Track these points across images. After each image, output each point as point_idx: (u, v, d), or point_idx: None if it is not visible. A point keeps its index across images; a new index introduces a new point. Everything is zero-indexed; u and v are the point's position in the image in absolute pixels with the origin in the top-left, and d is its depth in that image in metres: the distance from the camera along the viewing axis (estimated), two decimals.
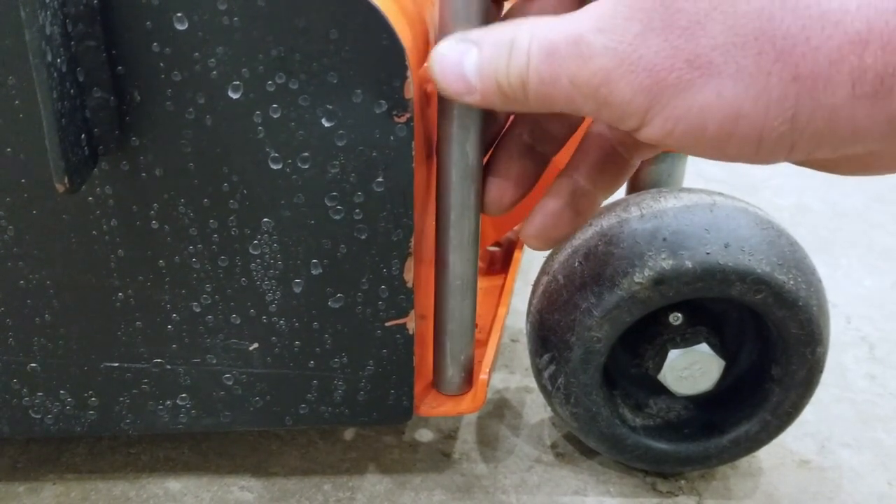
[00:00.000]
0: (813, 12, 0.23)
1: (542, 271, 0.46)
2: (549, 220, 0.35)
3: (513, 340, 0.60)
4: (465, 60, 0.30)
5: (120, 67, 0.32)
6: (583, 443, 0.48)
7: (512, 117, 0.37)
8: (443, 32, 0.33)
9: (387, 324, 0.38)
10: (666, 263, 0.40)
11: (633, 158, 0.35)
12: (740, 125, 0.25)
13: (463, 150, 0.35)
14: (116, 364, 0.40)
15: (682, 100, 0.25)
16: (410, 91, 0.33)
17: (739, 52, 0.24)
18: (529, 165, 0.36)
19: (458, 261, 0.38)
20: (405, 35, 0.33)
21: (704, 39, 0.25)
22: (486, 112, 0.35)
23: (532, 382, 0.53)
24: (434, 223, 0.38)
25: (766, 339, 0.44)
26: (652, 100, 0.26)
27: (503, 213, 0.37)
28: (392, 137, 0.34)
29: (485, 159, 0.37)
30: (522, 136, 0.36)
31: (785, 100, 0.24)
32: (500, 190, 0.36)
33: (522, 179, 0.36)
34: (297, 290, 0.37)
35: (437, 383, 0.43)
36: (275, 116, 0.33)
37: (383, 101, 0.33)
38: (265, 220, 0.36)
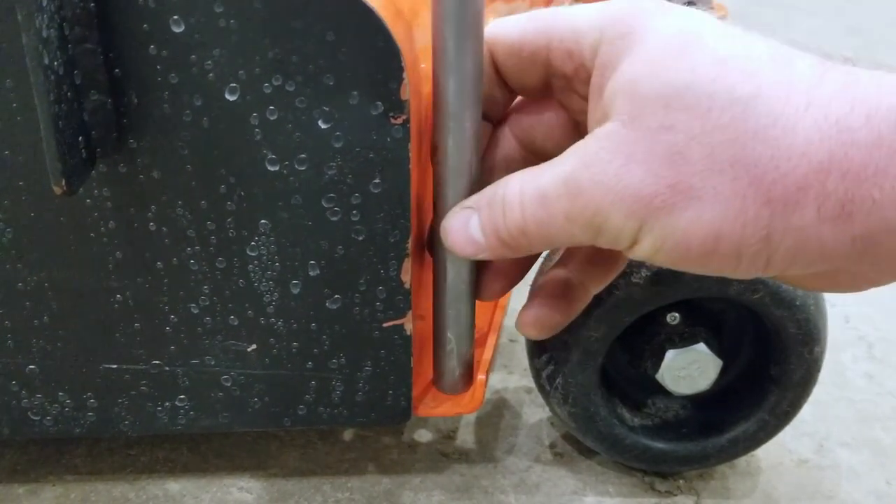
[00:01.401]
0: (781, 143, 0.26)
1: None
2: (544, 311, 0.38)
3: (511, 340, 0.60)
4: (470, 226, 0.33)
5: (117, 70, 0.32)
6: (581, 443, 0.48)
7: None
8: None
9: (384, 324, 0.38)
10: None
11: (621, 258, 0.37)
12: (720, 244, 0.27)
13: (460, 150, 0.35)
14: (115, 366, 0.40)
15: (667, 221, 0.27)
16: (407, 92, 0.33)
17: (717, 177, 0.26)
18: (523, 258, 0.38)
19: (457, 260, 0.38)
20: (401, 37, 0.33)
21: (685, 167, 0.27)
22: (481, 114, 0.35)
23: (530, 382, 0.53)
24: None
25: (764, 338, 0.44)
26: (641, 221, 0.28)
27: (495, 299, 0.40)
28: (389, 139, 0.34)
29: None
30: None
31: (759, 220, 0.26)
32: (495, 280, 0.39)
33: (515, 270, 0.39)
34: (295, 291, 0.38)
35: (436, 382, 0.43)
36: (272, 118, 0.33)
37: (380, 103, 0.33)
38: (263, 221, 0.36)
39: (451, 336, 0.40)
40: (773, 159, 0.26)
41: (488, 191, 0.33)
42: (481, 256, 0.34)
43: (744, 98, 0.26)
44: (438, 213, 0.36)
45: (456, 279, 0.38)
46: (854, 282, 0.29)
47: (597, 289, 0.39)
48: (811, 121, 0.25)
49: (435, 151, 0.35)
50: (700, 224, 0.27)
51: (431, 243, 0.39)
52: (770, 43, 0.28)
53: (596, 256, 0.38)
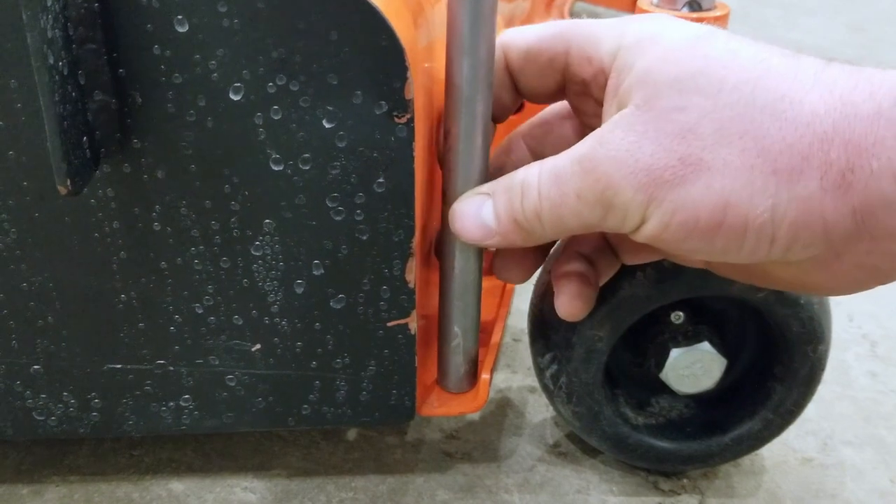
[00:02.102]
0: (788, 115, 0.27)
1: (544, 270, 0.46)
2: (584, 291, 0.38)
3: (515, 340, 0.60)
4: (483, 210, 0.34)
5: (121, 70, 0.32)
6: (585, 442, 0.48)
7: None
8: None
9: (389, 324, 0.38)
10: (667, 262, 0.40)
11: (619, 260, 0.39)
12: (728, 214, 0.28)
13: (471, 135, 0.35)
14: (119, 366, 0.40)
15: (676, 193, 0.28)
16: (411, 91, 0.33)
17: (726, 149, 0.27)
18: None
19: (463, 258, 0.38)
20: (405, 35, 0.33)
21: (695, 141, 0.28)
22: (492, 100, 0.35)
23: (534, 382, 0.53)
24: (437, 222, 0.38)
25: (768, 337, 0.44)
26: (650, 196, 0.29)
27: (523, 282, 0.40)
28: (393, 138, 0.34)
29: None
30: None
31: (766, 190, 0.27)
32: (514, 264, 0.39)
33: (535, 256, 0.39)
34: (299, 290, 0.38)
35: (441, 380, 0.43)
36: (276, 118, 0.33)
37: (384, 102, 0.33)
38: (267, 221, 0.36)
39: (457, 330, 0.40)
40: (781, 130, 0.27)
41: (504, 178, 0.34)
42: (488, 242, 0.35)
43: (753, 78, 0.28)
44: (448, 199, 0.36)
45: (464, 271, 0.38)
46: (852, 275, 0.29)
47: (606, 277, 0.39)
48: (817, 95, 0.27)
49: (446, 136, 0.35)
50: (709, 194, 0.28)
51: (441, 234, 0.39)
52: (775, 47, 0.29)
53: (602, 247, 0.38)
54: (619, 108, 0.31)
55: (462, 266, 0.38)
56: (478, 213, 0.34)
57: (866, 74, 0.27)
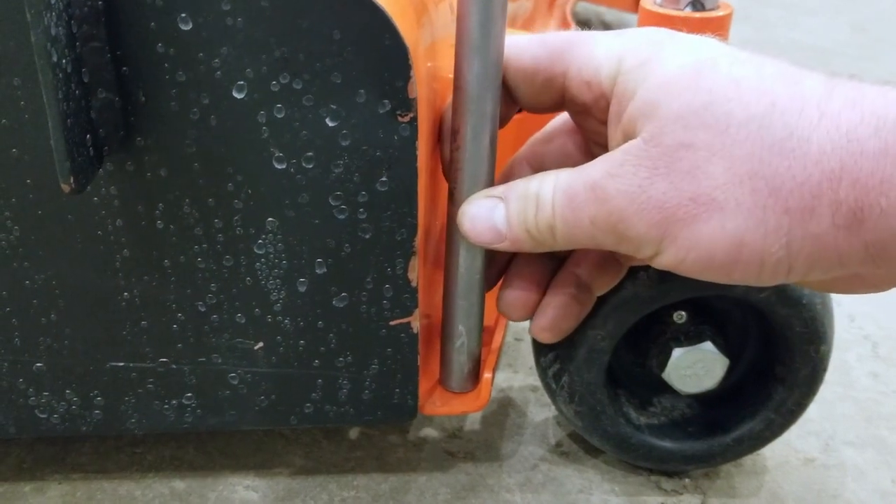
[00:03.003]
0: (797, 154, 0.27)
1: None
2: (560, 312, 0.39)
3: (517, 339, 0.60)
4: (494, 214, 0.34)
5: (125, 68, 0.33)
6: (587, 442, 0.48)
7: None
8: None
9: (391, 323, 0.39)
10: None
11: (626, 262, 0.39)
12: (744, 252, 0.28)
13: (479, 134, 0.35)
14: (122, 364, 0.40)
15: (690, 232, 0.29)
16: (414, 90, 0.33)
17: (737, 189, 0.28)
18: (546, 266, 0.39)
19: (468, 258, 0.38)
20: (409, 34, 0.33)
21: (706, 181, 0.28)
22: (500, 100, 0.36)
23: (536, 381, 0.53)
24: (440, 221, 0.38)
25: (770, 337, 0.44)
26: (664, 232, 0.29)
27: (524, 320, 0.40)
28: (396, 137, 0.34)
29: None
30: None
31: (780, 229, 0.27)
32: (519, 295, 0.39)
33: (538, 282, 0.39)
34: (302, 289, 0.38)
35: (444, 380, 0.43)
36: (279, 116, 0.33)
37: (387, 101, 0.33)
38: (270, 219, 0.36)
39: (461, 329, 0.40)
40: (790, 169, 0.27)
41: (519, 184, 0.34)
42: (498, 246, 0.35)
43: (759, 114, 0.28)
44: (455, 199, 0.36)
45: (469, 269, 0.38)
46: (874, 284, 0.31)
47: (601, 291, 0.40)
48: (824, 132, 0.27)
49: (454, 136, 0.35)
50: (723, 234, 0.28)
51: (447, 233, 0.39)
52: (778, 63, 0.29)
53: (606, 261, 0.38)
54: (626, 136, 0.31)
55: (467, 265, 0.38)
56: (489, 216, 0.34)
57: (870, 104, 0.27)
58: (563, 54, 0.34)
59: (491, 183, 0.36)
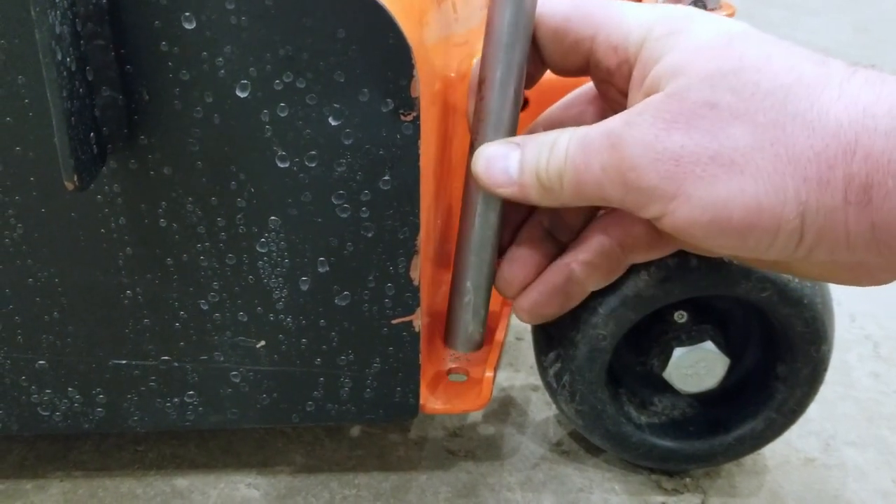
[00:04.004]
0: (816, 125, 0.27)
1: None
2: (543, 298, 0.39)
3: (518, 338, 0.60)
4: (509, 158, 0.35)
5: (128, 66, 0.33)
6: (588, 441, 0.49)
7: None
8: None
9: (393, 321, 0.39)
10: (671, 261, 0.40)
11: (627, 260, 0.38)
12: (762, 217, 0.28)
13: (506, 83, 0.35)
14: (124, 361, 0.40)
15: (706, 192, 0.29)
16: (417, 90, 0.33)
17: (758, 154, 0.28)
18: (548, 250, 0.39)
19: (484, 213, 0.38)
20: (412, 34, 0.33)
21: (727, 141, 0.28)
22: (529, 51, 0.36)
23: (537, 380, 0.53)
24: (442, 220, 0.38)
25: (771, 337, 0.44)
26: (678, 188, 0.29)
27: (515, 297, 0.40)
28: (398, 136, 0.34)
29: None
30: (543, 223, 0.39)
31: (798, 197, 0.28)
32: (517, 272, 0.39)
33: (538, 263, 0.39)
34: (304, 287, 0.38)
35: (448, 339, 0.42)
36: (282, 115, 0.34)
37: (390, 100, 0.33)
38: (272, 218, 0.36)
39: (469, 286, 0.40)
40: (809, 139, 0.27)
41: (537, 135, 0.34)
42: (505, 191, 0.35)
43: (785, 85, 0.28)
44: (476, 146, 0.36)
45: (484, 225, 0.38)
46: (876, 275, 0.31)
47: (594, 287, 0.39)
48: (842, 106, 0.27)
49: (480, 85, 0.35)
50: (743, 197, 0.28)
51: (465, 188, 0.39)
52: (804, 49, 0.30)
53: (601, 259, 0.38)
54: (647, 96, 0.31)
55: (482, 221, 0.38)
56: (504, 159, 0.35)
57: (888, 87, 0.27)
58: (594, 17, 0.34)
59: (513, 135, 0.36)
